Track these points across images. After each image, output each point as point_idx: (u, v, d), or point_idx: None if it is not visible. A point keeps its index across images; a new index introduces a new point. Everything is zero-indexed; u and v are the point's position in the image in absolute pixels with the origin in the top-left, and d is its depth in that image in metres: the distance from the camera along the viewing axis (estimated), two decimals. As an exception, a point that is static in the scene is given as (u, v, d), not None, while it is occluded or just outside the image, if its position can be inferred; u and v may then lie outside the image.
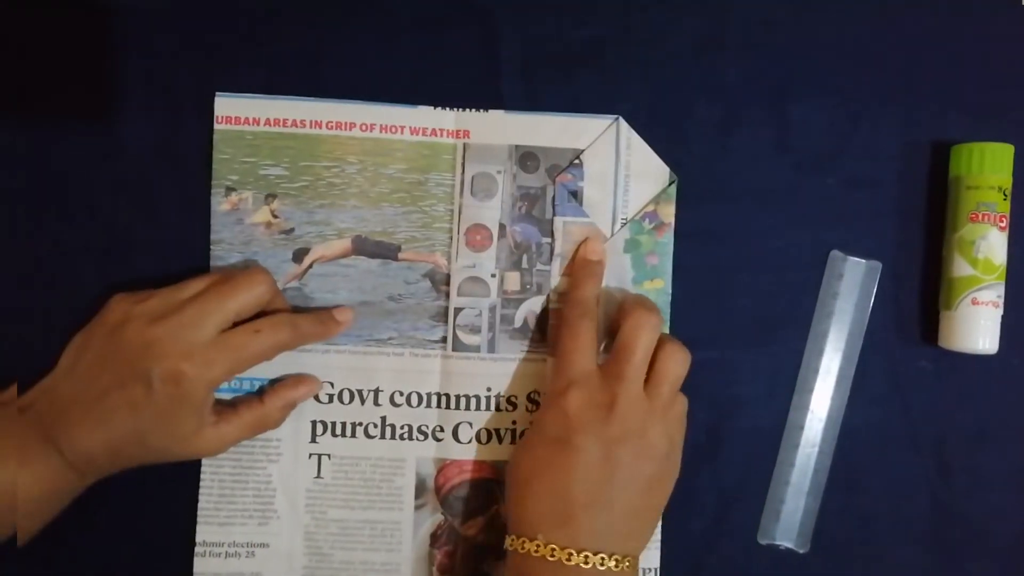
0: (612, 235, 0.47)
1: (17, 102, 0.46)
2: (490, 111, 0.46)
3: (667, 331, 0.47)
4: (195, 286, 0.42)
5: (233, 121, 0.46)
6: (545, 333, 0.47)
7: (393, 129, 0.46)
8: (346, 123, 0.46)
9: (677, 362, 0.42)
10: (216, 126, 0.46)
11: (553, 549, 0.39)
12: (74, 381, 0.41)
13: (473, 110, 0.46)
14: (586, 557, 0.39)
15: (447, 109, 0.46)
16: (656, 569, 0.47)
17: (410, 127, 0.46)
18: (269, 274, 0.43)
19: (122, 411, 0.40)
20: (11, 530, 0.40)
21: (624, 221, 0.47)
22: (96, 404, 0.40)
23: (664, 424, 0.42)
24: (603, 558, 0.39)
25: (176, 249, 0.46)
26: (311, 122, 0.46)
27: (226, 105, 0.46)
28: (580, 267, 0.46)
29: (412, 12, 0.47)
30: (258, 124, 0.46)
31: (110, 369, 0.40)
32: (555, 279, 0.47)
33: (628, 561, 0.40)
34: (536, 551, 0.39)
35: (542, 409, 0.44)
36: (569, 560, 0.39)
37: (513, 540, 0.41)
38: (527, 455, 0.42)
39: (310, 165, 0.46)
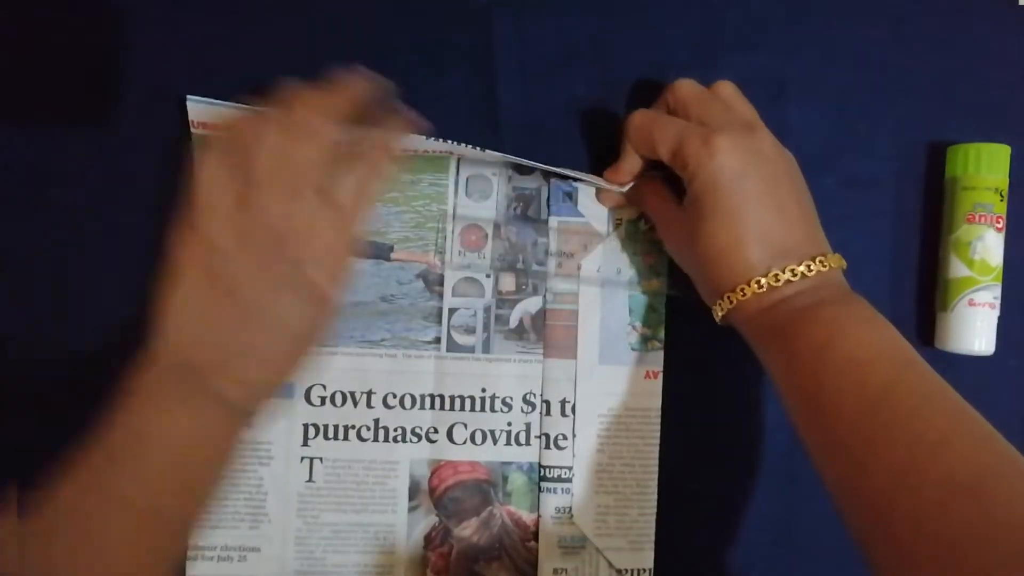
0: (608, 236, 0.47)
1: (16, 102, 0.46)
2: (486, 151, 0.43)
3: (663, 333, 0.47)
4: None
5: (209, 128, 0.44)
6: (540, 334, 0.47)
7: None
8: None
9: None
10: (193, 131, 0.44)
11: (793, 269, 0.38)
12: (209, 320, 0.36)
13: (468, 146, 0.43)
14: (819, 262, 0.38)
15: (439, 140, 0.43)
16: (650, 571, 0.47)
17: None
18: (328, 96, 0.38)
19: (279, 329, 0.36)
20: (212, 488, 0.37)
21: (620, 222, 0.47)
22: (249, 337, 0.36)
23: (750, 129, 0.41)
24: (821, 262, 0.38)
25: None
26: None
27: (199, 111, 0.44)
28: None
29: (407, 11, 0.47)
30: None
31: (245, 289, 0.35)
32: (551, 279, 0.47)
33: (837, 258, 0.39)
34: (776, 281, 0.38)
35: (694, 177, 0.40)
36: (809, 272, 0.38)
37: (735, 294, 0.39)
38: (719, 217, 0.39)
39: None
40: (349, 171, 0.37)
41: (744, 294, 0.38)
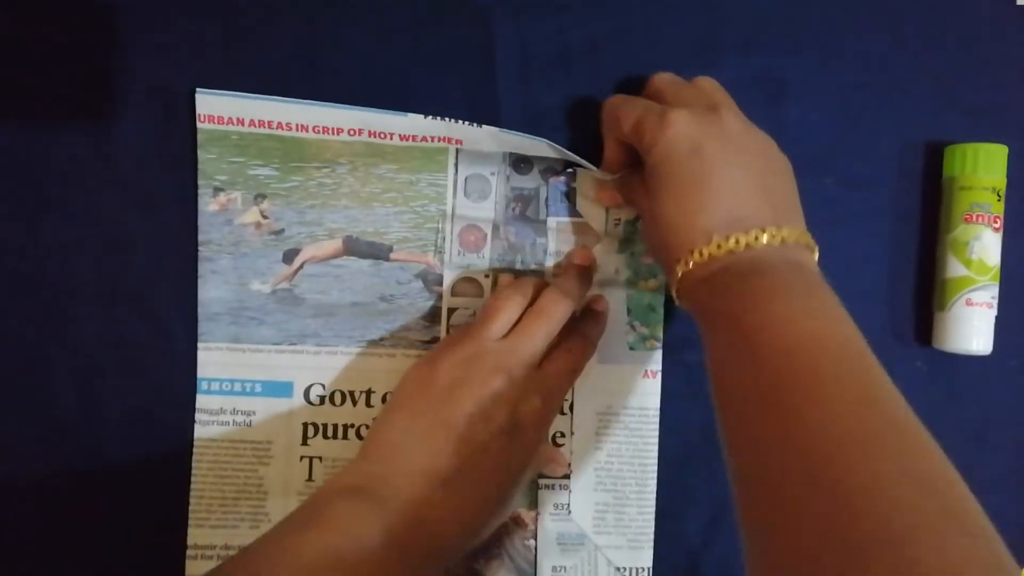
0: (606, 236, 0.47)
1: (14, 102, 0.46)
2: (483, 127, 0.44)
3: (661, 332, 0.47)
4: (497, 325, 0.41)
5: (216, 120, 0.44)
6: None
7: (382, 135, 0.45)
8: (333, 128, 0.45)
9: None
10: (199, 125, 0.44)
11: (737, 238, 0.35)
12: (448, 493, 0.37)
13: (465, 123, 0.44)
14: (771, 233, 0.35)
15: (437, 119, 0.44)
16: (649, 569, 0.47)
17: (399, 134, 0.45)
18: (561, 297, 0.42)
19: (501, 509, 0.40)
20: None
21: (618, 222, 0.47)
22: (477, 517, 0.38)
23: (722, 109, 0.39)
24: (782, 232, 0.35)
25: (168, 248, 0.46)
26: (297, 125, 0.44)
27: (207, 103, 0.44)
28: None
29: (408, 10, 0.47)
30: (243, 124, 0.45)
31: (446, 427, 0.38)
32: (549, 279, 0.47)
33: (807, 238, 0.37)
34: (718, 249, 0.35)
35: (649, 153, 0.39)
36: (755, 241, 0.35)
37: (688, 258, 0.36)
38: (671, 189, 0.38)
39: (300, 166, 0.45)
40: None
41: (688, 265, 0.36)
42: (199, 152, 0.45)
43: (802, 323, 0.32)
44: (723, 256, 0.35)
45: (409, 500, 0.36)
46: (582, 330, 0.44)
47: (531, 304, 0.42)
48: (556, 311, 0.42)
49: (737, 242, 0.35)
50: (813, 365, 0.31)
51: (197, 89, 0.44)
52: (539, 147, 0.44)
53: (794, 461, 0.29)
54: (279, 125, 0.45)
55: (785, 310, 0.33)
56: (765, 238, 0.35)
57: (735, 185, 0.37)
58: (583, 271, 0.45)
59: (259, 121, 0.45)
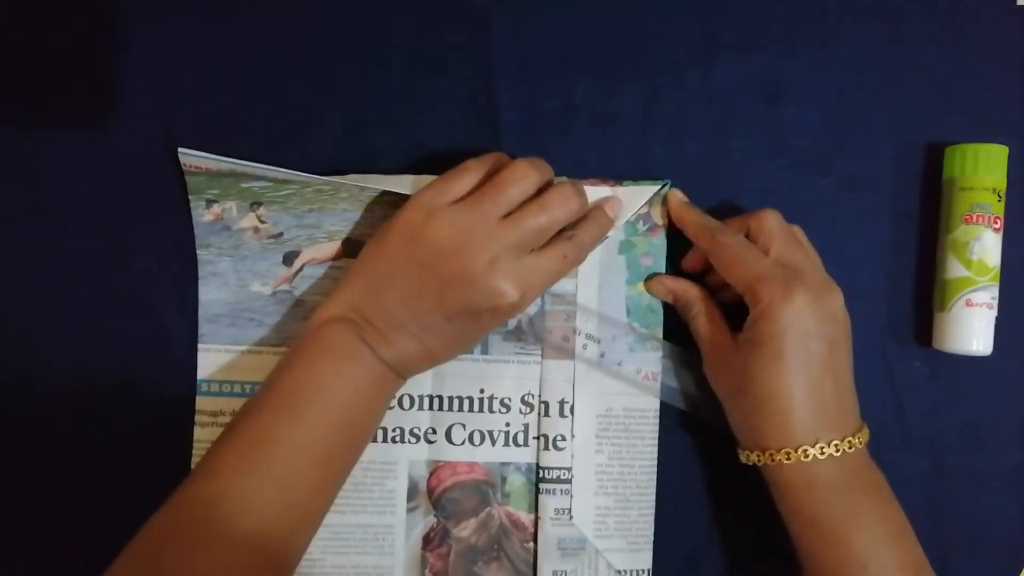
0: (607, 237, 0.47)
1: (14, 102, 0.46)
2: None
3: (661, 333, 0.47)
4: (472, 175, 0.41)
5: (203, 170, 0.44)
6: (540, 335, 0.47)
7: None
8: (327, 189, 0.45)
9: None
10: (185, 171, 0.44)
11: (836, 444, 0.39)
12: (384, 298, 0.40)
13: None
14: (851, 441, 0.40)
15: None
16: (648, 570, 0.47)
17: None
18: (535, 166, 0.41)
19: (442, 326, 0.40)
20: (367, 438, 0.42)
21: (618, 222, 0.47)
22: (413, 321, 0.40)
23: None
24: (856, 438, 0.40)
25: (168, 250, 0.46)
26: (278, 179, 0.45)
27: (191, 159, 0.44)
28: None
29: (407, 11, 0.47)
30: (226, 174, 0.45)
31: (424, 285, 0.40)
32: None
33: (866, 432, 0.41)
34: (821, 454, 0.39)
35: (761, 322, 0.41)
36: (850, 448, 0.39)
37: (773, 454, 0.40)
38: (778, 373, 0.40)
39: (291, 181, 0.45)
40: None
41: (789, 458, 0.40)
42: (186, 175, 0.45)
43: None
44: (823, 459, 0.39)
45: (387, 334, 0.40)
46: (579, 233, 0.43)
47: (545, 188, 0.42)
48: (561, 210, 0.41)
49: (837, 448, 0.39)
50: None
51: (179, 149, 0.44)
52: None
53: None
54: (263, 177, 0.45)
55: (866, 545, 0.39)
56: (855, 443, 0.40)
57: (835, 382, 0.40)
58: (605, 203, 0.45)
59: (242, 173, 0.44)
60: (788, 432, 0.40)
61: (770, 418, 0.40)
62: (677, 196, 0.46)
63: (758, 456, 0.41)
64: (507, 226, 0.39)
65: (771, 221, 0.43)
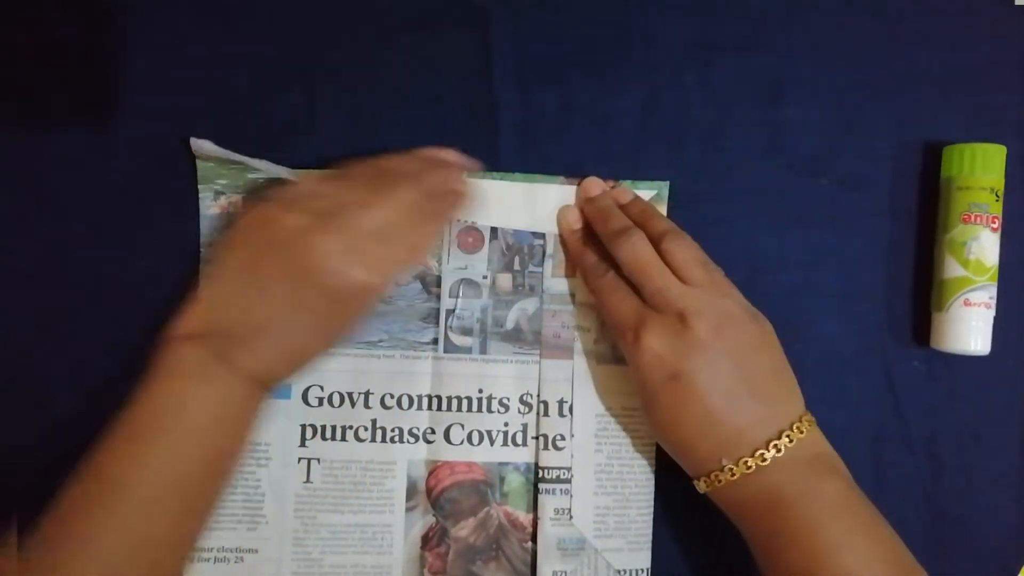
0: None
1: (14, 102, 0.46)
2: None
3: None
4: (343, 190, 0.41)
5: (214, 157, 0.45)
6: (539, 334, 0.47)
7: None
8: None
9: (684, 248, 0.42)
10: (197, 160, 0.45)
11: (746, 461, 0.39)
12: (238, 302, 0.39)
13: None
14: (775, 445, 0.39)
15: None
16: (647, 570, 0.47)
17: None
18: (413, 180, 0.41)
19: (299, 326, 0.40)
20: (234, 461, 0.40)
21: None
22: (270, 324, 0.39)
23: (725, 295, 0.42)
24: (785, 437, 0.39)
25: (168, 248, 0.46)
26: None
27: (201, 147, 0.44)
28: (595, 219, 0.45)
29: (406, 11, 0.47)
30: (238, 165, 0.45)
31: (277, 283, 0.39)
32: (547, 281, 0.47)
33: (805, 422, 0.40)
34: (732, 475, 0.39)
35: (632, 369, 0.42)
36: (764, 461, 0.39)
37: (706, 481, 0.41)
38: (661, 414, 0.41)
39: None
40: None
41: (705, 486, 0.41)
42: (197, 162, 0.45)
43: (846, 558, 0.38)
44: (739, 479, 0.39)
45: (248, 342, 0.39)
46: (433, 211, 0.42)
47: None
48: (404, 200, 0.40)
49: (748, 466, 0.39)
50: None
51: (192, 139, 0.44)
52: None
53: None
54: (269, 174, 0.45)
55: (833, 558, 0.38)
56: (771, 453, 0.39)
57: (722, 402, 0.40)
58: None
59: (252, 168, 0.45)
60: (692, 461, 0.41)
61: (672, 448, 0.42)
62: (568, 219, 0.46)
63: (702, 483, 0.41)
64: (356, 212, 0.39)
65: (635, 253, 0.42)
